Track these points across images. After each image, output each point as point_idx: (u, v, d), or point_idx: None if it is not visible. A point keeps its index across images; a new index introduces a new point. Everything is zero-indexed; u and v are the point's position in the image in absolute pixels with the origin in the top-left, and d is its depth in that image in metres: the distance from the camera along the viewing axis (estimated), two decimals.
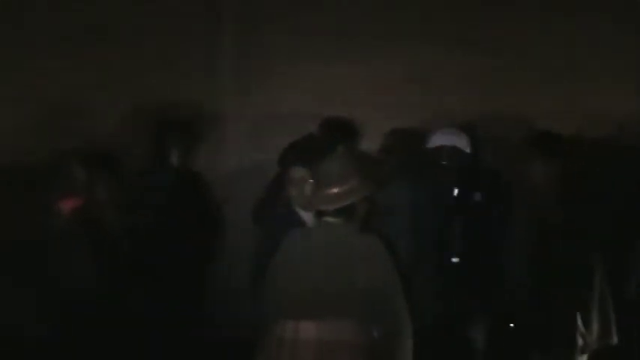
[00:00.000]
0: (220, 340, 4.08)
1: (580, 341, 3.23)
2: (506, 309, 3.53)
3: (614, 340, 3.30)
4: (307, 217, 3.44)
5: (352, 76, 4.60)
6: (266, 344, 2.84)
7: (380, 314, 2.78)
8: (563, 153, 3.38)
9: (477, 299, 3.83)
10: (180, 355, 3.89)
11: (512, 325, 3.54)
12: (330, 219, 2.88)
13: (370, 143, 4.38)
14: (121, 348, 3.39)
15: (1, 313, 3.61)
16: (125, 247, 3.58)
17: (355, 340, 2.77)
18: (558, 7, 4.54)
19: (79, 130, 4.30)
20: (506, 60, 4.56)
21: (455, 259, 3.88)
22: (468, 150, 3.94)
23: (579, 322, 3.21)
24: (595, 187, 3.46)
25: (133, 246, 3.61)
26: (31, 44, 4.38)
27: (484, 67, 4.56)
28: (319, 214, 2.92)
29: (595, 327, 3.24)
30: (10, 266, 3.71)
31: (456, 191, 3.93)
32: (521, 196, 3.57)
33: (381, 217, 3.28)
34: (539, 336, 3.27)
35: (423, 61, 4.58)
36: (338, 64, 4.57)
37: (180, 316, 3.92)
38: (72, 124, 4.34)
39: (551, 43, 4.57)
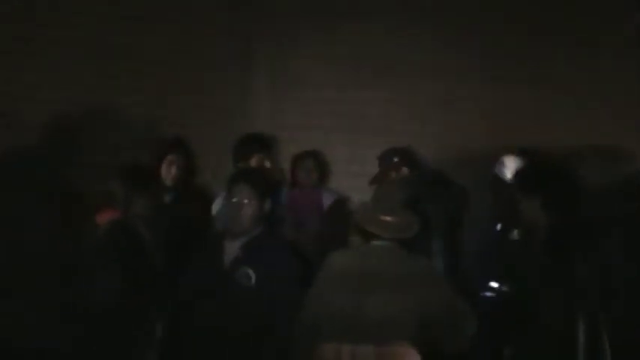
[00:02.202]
0: None
1: None
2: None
3: None
4: None
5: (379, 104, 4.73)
6: None
7: (439, 336, 2.80)
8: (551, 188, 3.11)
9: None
10: None
11: None
12: (380, 242, 2.89)
13: None
14: None
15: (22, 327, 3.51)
16: (160, 263, 3.56)
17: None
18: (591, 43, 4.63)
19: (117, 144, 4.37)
20: (535, 92, 4.66)
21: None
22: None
23: None
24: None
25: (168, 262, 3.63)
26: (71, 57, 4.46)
27: (513, 97, 4.68)
28: (369, 236, 2.92)
29: None
30: (42, 279, 3.72)
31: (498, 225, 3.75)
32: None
33: None
34: None
35: (450, 90, 4.72)
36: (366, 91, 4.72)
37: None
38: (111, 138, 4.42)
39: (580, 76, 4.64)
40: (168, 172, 4.09)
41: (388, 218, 2.88)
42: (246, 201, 3.15)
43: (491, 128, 4.64)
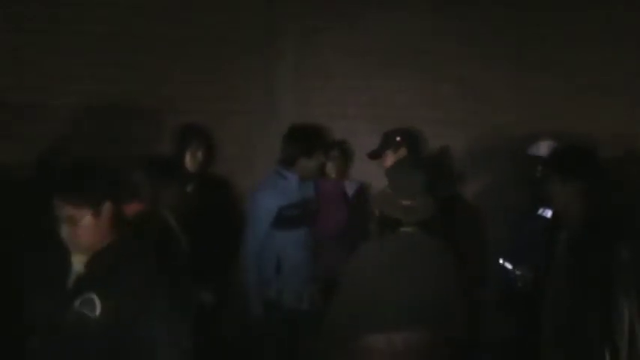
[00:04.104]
0: None
1: None
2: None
3: None
4: None
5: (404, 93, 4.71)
6: (350, 356, 2.78)
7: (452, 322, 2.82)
8: (587, 174, 2.94)
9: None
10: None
11: None
12: (408, 229, 2.88)
13: None
14: None
15: None
16: (187, 252, 3.56)
17: (444, 344, 2.78)
18: (611, 29, 4.61)
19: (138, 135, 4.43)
20: (559, 79, 4.64)
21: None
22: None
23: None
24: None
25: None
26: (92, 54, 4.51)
27: (537, 85, 4.66)
28: (396, 223, 2.90)
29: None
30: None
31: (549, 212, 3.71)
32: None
33: None
34: None
35: (474, 79, 4.70)
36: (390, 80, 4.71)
37: None
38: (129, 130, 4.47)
39: (605, 64, 4.62)
40: (194, 160, 4.11)
41: (409, 202, 2.86)
42: (73, 213, 2.37)
43: (517, 116, 4.63)
